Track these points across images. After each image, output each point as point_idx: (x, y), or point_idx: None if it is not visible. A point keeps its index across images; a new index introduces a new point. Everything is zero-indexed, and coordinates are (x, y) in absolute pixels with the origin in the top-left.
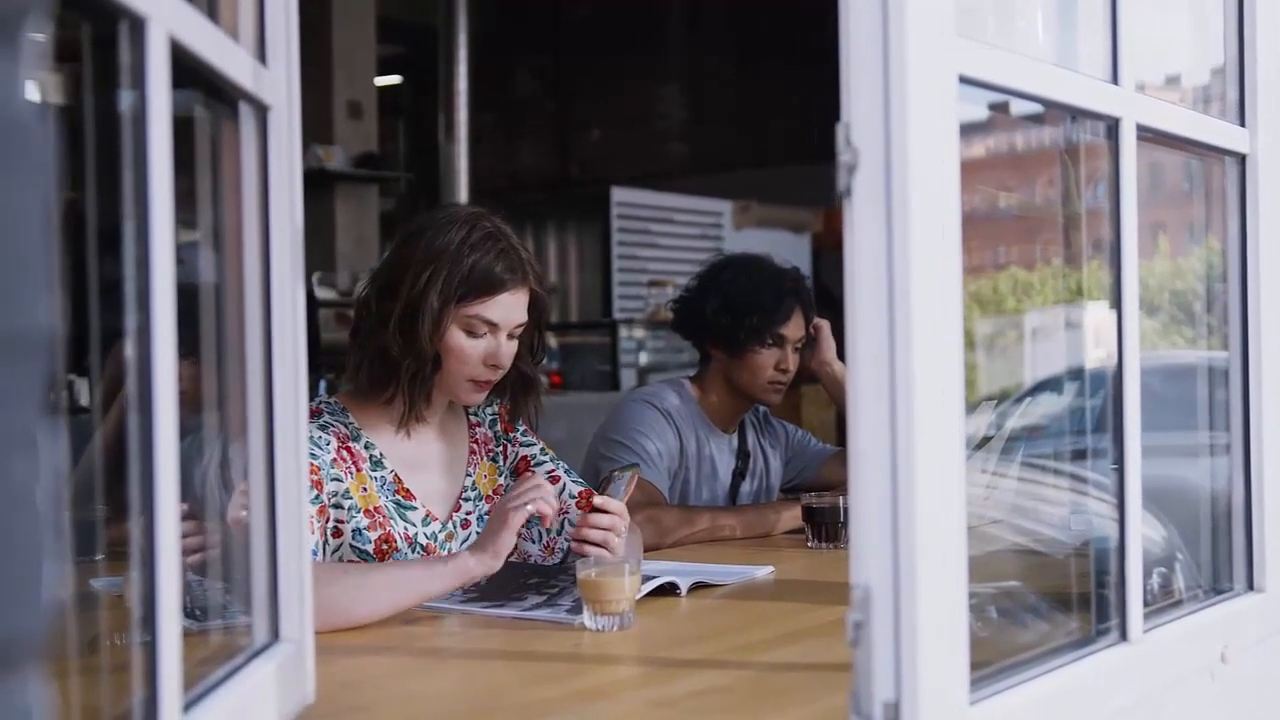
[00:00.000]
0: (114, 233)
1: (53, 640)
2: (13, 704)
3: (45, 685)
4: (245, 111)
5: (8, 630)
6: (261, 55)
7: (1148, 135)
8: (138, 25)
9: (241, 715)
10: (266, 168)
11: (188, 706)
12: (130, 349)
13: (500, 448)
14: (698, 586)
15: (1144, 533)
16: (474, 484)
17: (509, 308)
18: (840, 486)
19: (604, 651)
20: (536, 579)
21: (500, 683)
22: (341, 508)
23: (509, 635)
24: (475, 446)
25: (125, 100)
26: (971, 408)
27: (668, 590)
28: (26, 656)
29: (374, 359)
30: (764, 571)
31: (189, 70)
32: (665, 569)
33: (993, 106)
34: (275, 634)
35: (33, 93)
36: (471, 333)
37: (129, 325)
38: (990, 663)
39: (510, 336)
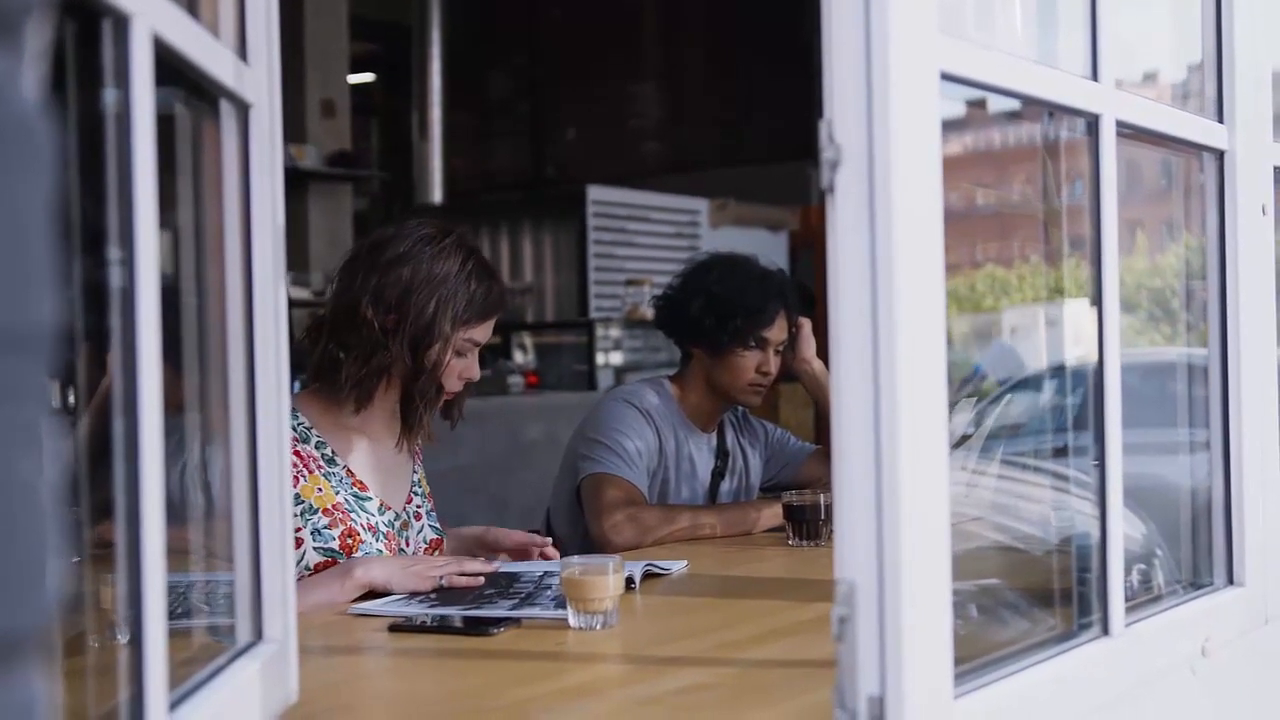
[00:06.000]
0: (95, 232)
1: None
2: (17, 698)
3: (49, 681)
4: (226, 110)
5: (13, 625)
6: (243, 53)
7: (1127, 131)
8: (121, 23)
9: (226, 714)
10: (248, 166)
11: (173, 706)
12: (114, 350)
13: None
14: (649, 576)
15: (1124, 529)
16: (419, 481)
17: (491, 328)
18: (820, 485)
19: (588, 650)
20: (505, 581)
21: (485, 682)
22: (295, 514)
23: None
24: (417, 447)
25: (108, 98)
26: (950, 405)
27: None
28: (31, 651)
29: (375, 374)
30: (678, 566)
31: (170, 68)
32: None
33: (970, 103)
34: (259, 634)
35: (35, 90)
36: (460, 353)
37: (114, 326)
38: (974, 657)
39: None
